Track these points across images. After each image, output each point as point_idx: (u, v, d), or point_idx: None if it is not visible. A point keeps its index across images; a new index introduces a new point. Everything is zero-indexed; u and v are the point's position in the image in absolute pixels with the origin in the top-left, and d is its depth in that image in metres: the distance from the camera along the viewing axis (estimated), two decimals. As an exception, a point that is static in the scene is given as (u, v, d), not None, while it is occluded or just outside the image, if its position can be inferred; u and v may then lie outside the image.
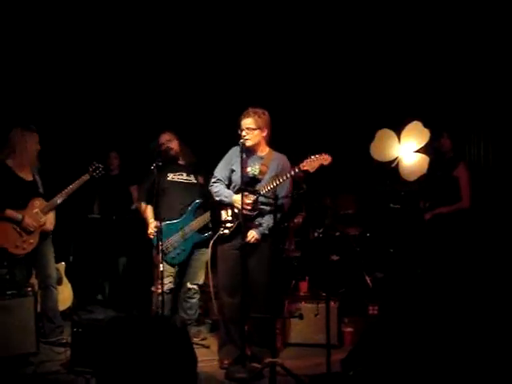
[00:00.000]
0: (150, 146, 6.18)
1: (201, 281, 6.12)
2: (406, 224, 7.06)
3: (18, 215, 5.71)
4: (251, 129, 5.20)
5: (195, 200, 6.01)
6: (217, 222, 5.38)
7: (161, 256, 5.52)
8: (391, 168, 7.44)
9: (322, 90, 8.25)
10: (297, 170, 5.03)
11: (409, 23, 7.50)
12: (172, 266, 5.96)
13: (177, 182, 6.06)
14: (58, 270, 6.48)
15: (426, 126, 7.14)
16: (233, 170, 5.33)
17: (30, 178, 5.90)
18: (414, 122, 7.32)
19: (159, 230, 5.54)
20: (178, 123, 7.15)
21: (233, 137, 5.21)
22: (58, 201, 5.87)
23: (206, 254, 5.93)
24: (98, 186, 7.47)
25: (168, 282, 5.90)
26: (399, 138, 7.47)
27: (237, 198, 5.18)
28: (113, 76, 8.34)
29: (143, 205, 6.20)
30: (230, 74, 8.22)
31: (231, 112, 5.47)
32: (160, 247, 5.50)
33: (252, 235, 5.17)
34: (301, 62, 8.15)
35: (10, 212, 5.69)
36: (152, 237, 5.98)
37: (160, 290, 5.76)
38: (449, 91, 7.48)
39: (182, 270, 6.08)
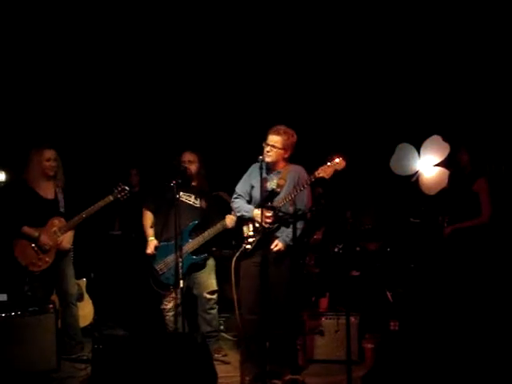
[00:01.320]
0: (173, 163, 6.17)
1: (215, 287, 6.09)
2: (426, 239, 7.00)
3: (34, 232, 5.76)
4: (276, 147, 5.21)
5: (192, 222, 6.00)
6: (240, 238, 5.36)
7: (180, 272, 5.53)
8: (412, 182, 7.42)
9: (344, 105, 8.24)
10: (312, 179, 5.04)
11: (432, 39, 7.47)
12: (167, 286, 5.92)
13: (184, 202, 6.03)
14: (79, 286, 6.56)
15: (446, 140, 7.10)
16: (252, 186, 5.35)
17: (50, 196, 5.95)
18: (434, 136, 7.32)
19: (179, 247, 5.57)
20: (199, 140, 7.15)
21: (253, 154, 5.21)
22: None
23: (210, 261, 6.10)
24: (119, 203, 7.48)
25: (173, 299, 5.95)
26: (419, 152, 7.46)
27: (257, 212, 5.19)
28: (135, 95, 8.39)
29: (147, 213, 6.17)
30: (251, 91, 8.23)
31: (252, 130, 5.47)
32: (180, 264, 5.52)
33: (276, 244, 5.16)
34: (322, 76, 8.15)
35: (26, 229, 5.76)
36: (150, 254, 5.98)
37: (169, 306, 5.92)
38: (470, 106, 7.43)
39: (192, 283, 6.06)
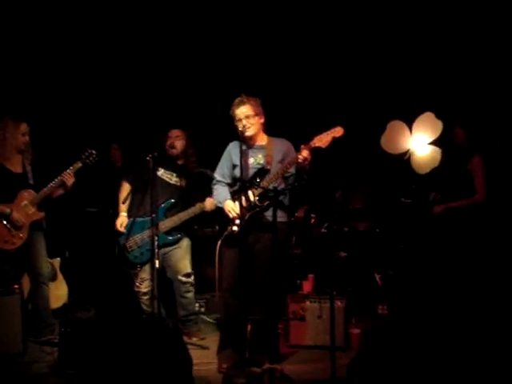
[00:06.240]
0: (158, 136, 5.98)
1: (189, 269, 5.84)
2: (417, 219, 6.76)
3: (5, 209, 5.47)
4: (250, 116, 4.91)
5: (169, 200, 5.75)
6: (224, 221, 5.01)
7: (157, 252, 5.29)
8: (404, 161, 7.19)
9: (333, 82, 7.97)
10: (307, 151, 4.66)
11: (422, 17, 7.23)
12: (134, 265, 5.70)
13: (164, 180, 5.79)
14: (52, 265, 6.32)
15: (439, 117, 6.86)
16: (235, 166, 5.02)
17: (18, 169, 5.66)
18: (427, 113, 7.06)
19: (155, 225, 5.35)
20: (184, 117, 6.87)
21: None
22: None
23: (184, 240, 5.82)
24: (99, 177, 7.28)
25: (145, 281, 5.72)
26: (411, 130, 7.21)
27: (228, 203, 4.91)
28: (115, 68, 8.08)
29: (125, 185, 5.93)
30: (241, 71, 7.90)
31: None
32: (156, 242, 5.28)
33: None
34: (312, 53, 7.89)
35: None
36: (122, 230, 5.75)
37: (143, 290, 5.70)
38: (464, 82, 7.19)
39: (166, 266, 5.81)
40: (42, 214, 5.69)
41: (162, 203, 5.66)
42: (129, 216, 5.78)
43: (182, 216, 5.71)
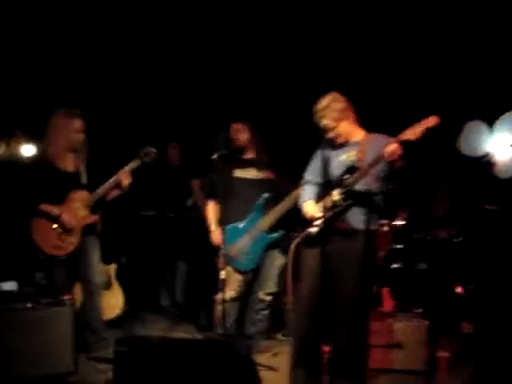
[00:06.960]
0: (218, 137, 5.51)
1: (274, 289, 5.50)
2: (504, 228, 6.22)
3: (55, 210, 5.03)
4: (332, 127, 4.35)
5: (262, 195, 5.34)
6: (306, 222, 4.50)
7: (223, 262, 4.99)
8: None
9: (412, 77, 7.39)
10: (395, 144, 4.02)
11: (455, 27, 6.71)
12: (244, 273, 5.32)
13: (246, 179, 5.43)
14: (107, 272, 5.98)
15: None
16: (326, 164, 4.50)
17: (71, 168, 5.21)
18: (510, 113, 6.58)
19: (252, 227, 5.19)
20: (251, 112, 6.42)
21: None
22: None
23: (279, 258, 5.45)
24: (156, 178, 6.93)
25: (231, 290, 5.26)
26: (492, 131, 6.79)
27: (308, 210, 4.42)
28: (175, 67, 7.70)
29: (210, 204, 5.56)
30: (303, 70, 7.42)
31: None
32: (224, 251, 5.00)
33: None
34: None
35: (45, 207, 5.01)
36: (220, 244, 5.28)
37: (220, 296, 5.21)
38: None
39: (252, 277, 5.44)
40: (95, 217, 5.27)
41: (257, 200, 5.33)
42: (224, 223, 5.35)
43: (281, 208, 5.31)
